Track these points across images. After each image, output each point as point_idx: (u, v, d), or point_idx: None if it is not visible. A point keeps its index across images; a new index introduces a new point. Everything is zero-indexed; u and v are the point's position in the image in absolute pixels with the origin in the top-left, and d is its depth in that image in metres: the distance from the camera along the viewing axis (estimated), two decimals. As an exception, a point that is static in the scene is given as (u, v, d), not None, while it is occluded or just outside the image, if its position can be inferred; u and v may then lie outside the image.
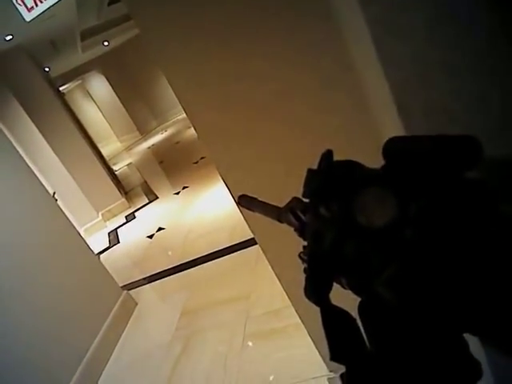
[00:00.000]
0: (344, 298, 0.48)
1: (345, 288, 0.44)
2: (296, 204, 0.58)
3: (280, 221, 0.63)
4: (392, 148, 0.41)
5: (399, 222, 0.37)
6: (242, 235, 3.75)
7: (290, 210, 0.59)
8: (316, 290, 0.45)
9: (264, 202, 0.73)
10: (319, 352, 1.77)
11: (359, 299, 0.43)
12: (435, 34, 0.61)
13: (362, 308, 0.42)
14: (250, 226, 1.61)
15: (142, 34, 1.34)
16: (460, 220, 0.36)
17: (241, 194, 0.81)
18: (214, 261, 3.85)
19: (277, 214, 0.64)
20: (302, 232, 0.55)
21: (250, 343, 2.62)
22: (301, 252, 0.53)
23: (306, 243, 0.53)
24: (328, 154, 0.48)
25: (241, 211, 1.60)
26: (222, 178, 1.51)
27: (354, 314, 0.43)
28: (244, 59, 1.31)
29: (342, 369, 0.40)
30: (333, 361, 0.41)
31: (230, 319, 2.92)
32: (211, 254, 3.98)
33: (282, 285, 1.67)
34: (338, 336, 0.42)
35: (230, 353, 2.60)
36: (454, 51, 0.62)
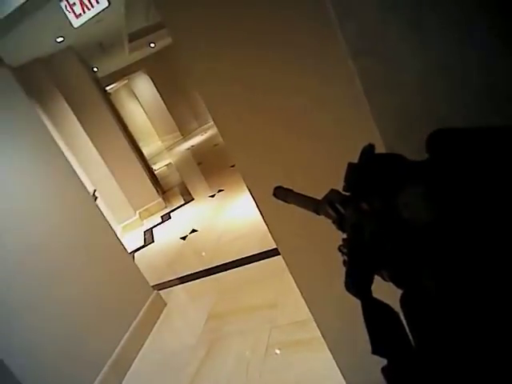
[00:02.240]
0: (384, 292, 0.47)
1: (386, 280, 0.44)
2: (334, 196, 0.57)
3: (317, 213, 0.62)
4: (439, 141, 0.40)
5: (445, 217, 0.36)
6: (272, 243, 3.74)
7: (328, 202, 0.57)
8: (357, 282, 0.45)
9: (300, 194, 0.71)
10: (338, 367, 1.74)
11: (399, 293, 0.42)
12: (425, 86, 0.60)
13: (404, 300, 0.42)
14: (273, 238, 1.62)
15: (176, 46, 1.37)
16: (508, 215, 0.35)
17: (277, 185, 0.79)
18: (243, 266, 3.87)
19: (314, 206, 0.62)
20: (340, 224, 0.55)
21: (274, 352, 2.61)
22: (340, 245, 0.52)
23: (344, 236, 0.52)
24: (369, 148, 0.47)
25: (266, 222, 1.61)
26: (248, 189, 1.52)
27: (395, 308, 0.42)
28: (273, 72, 1.31)
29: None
30: (374, 354, 0.40)
31: (256, 326, 2.93)
32: (241, 259, 4.00)
33: (303, 297, 1.66)
34: (380, 329, 0.42)
35: (253, 360, 2.61)
36: (444, 102, 0.61)
